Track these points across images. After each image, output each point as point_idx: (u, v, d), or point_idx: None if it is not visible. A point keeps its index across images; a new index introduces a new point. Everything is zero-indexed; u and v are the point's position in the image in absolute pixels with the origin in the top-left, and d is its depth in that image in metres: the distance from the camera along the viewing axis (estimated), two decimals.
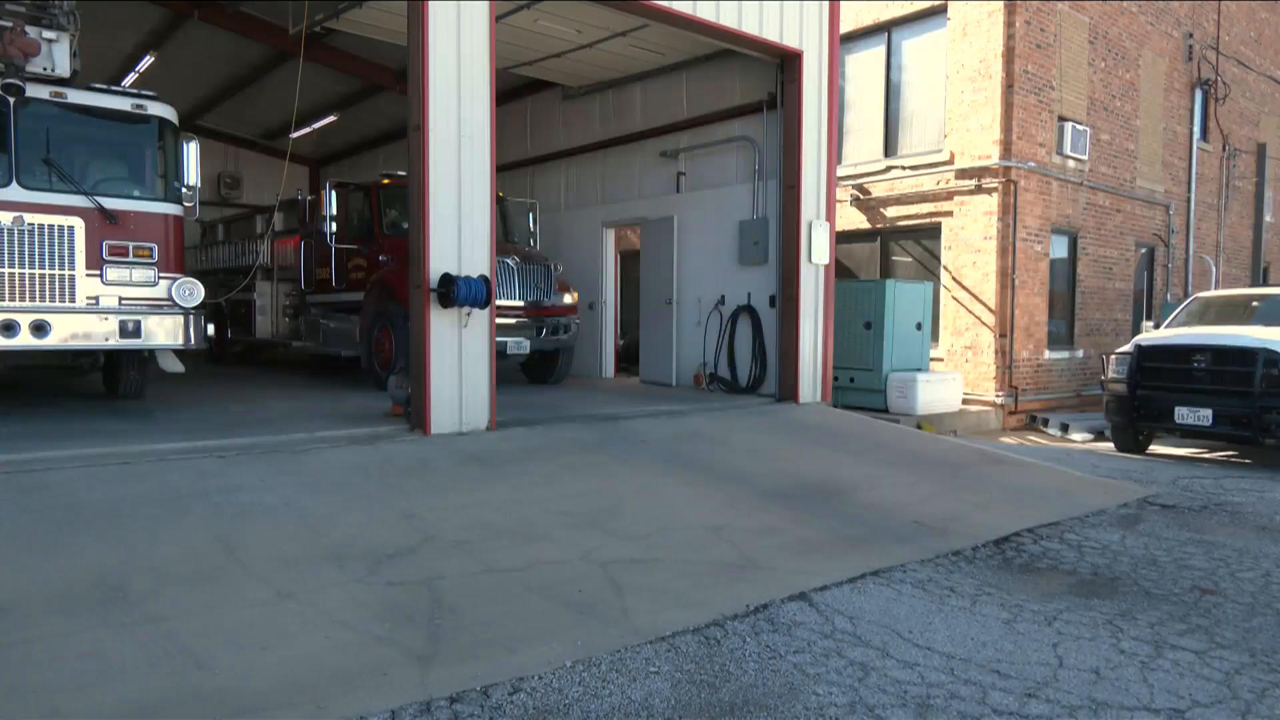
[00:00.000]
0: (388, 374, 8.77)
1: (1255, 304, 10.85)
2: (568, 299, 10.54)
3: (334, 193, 10.02)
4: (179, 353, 7.55)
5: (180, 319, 7.20)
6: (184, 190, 7.54)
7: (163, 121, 7.49)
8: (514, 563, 4.59)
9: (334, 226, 9.97)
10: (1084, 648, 3.85)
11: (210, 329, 13.18)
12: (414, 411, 7.22)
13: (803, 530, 5.50)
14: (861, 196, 14.43)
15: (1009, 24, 12.69)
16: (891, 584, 4.61)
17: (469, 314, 7.24)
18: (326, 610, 3.85)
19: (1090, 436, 12.19)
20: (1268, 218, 19.65)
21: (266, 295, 12.74)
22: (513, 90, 13.33)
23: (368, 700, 3.09)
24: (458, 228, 7.21)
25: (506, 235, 11.15)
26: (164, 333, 7.16)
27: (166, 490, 5.23)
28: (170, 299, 7.24)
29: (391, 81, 13.17)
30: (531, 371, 11.43)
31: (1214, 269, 17.66)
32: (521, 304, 9.95)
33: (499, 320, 8.61)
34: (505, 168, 13.06)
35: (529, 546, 4.87)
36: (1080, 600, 4.51)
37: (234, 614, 3.76)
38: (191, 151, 7.44)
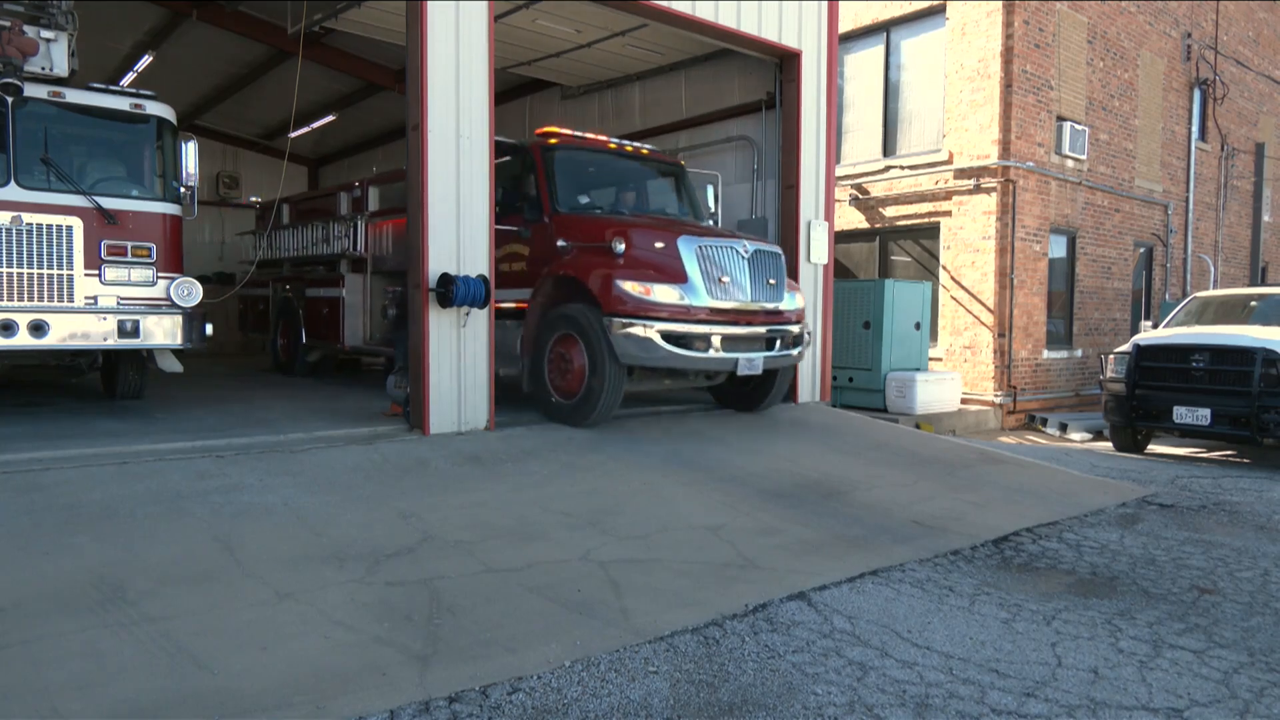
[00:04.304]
0: (573, 402, 7.43)
1: (1253, 303, 10.86)
2: (799, 299, 8.30)
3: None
4: (178, 353, 7.55)
5: (179, 319, 7.19)
6: (182, 190, 7.54)
7: (161, 121, 7.48)
8: (513, 562, 4.59)
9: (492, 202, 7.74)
10: (1083, 647, 3.85)
11: (278, 336, 11.94)
12: (413, 411, 7.22)
13: (801, 530, 5.50)
14: (860, 196, 14.43)
15: (1008, 24, 12.70)
16: (890, 583, 4.61)
17: (468, 314, 7.24)
18: (325, 610, 3.85)
19: (1089, 436, 12.20)
20: (1266, 217, 19.66)
21: (358, 292, 10.29)
22: (511, 89, 13.32)
23: (366, 700, 3.09)
24: (456, 228, 7.21)
25: (693, 213, 9.24)
26: (162, 333, 7.15)
27: (165, 490, 5.23)
28: (169, 299, 7.24)
29: (390, 81, 13.17)
30: (728, 395, 9.02)
31: (1212, 268, 17.67)
32: (755, 307, 7.67)
33: (722, 330, 7.24)
34: None
35: (528, 546, 4.87)
36: (1079, 600, 4.51)
37: (232, 614, 3.76)
38: (190, 151, 7.44)
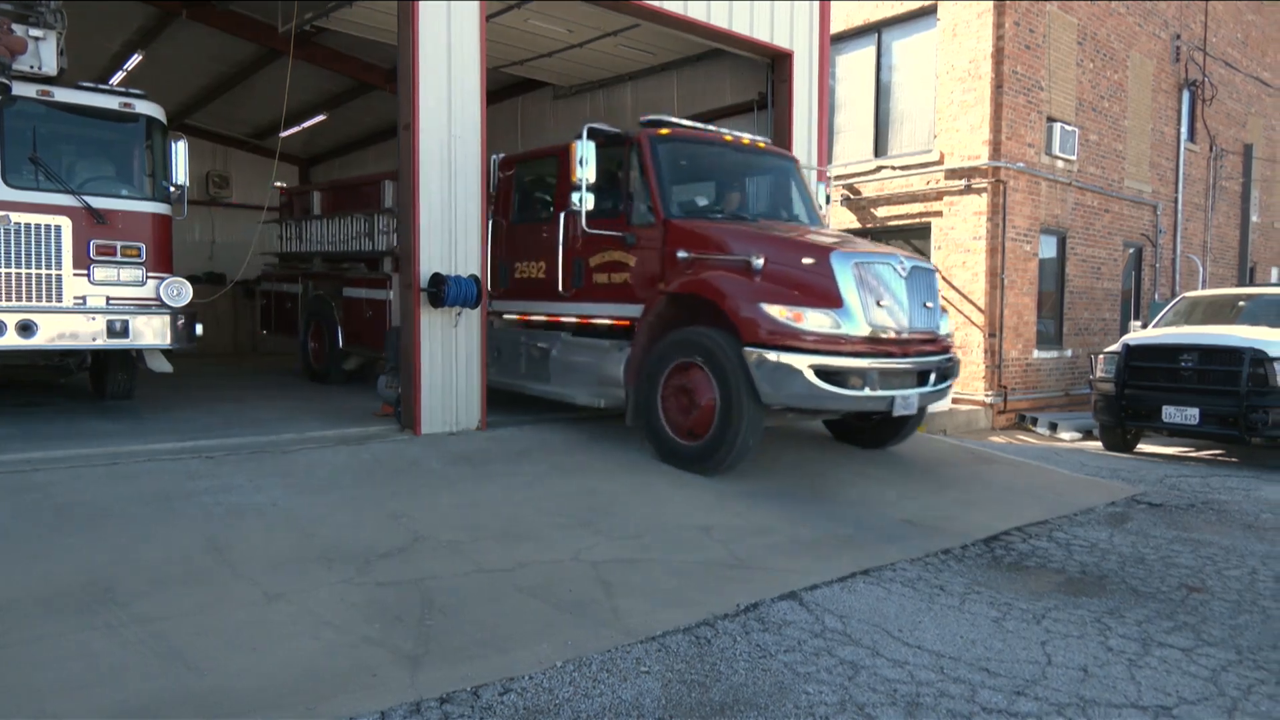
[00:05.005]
0: (699, 445, 6.37)
1: (1242, 304, 10.93)
2: (949, 323, 7.20)
3: (591, 144, 6.71)
4: (167, 353, 7.52)
5: (168, 319, 7.16)
6: (172, 189, 7.51)
7: (151, 120, 7.45)
8: (504, 563, 4.59)
9: (590, 202, 6.74)
10: (1072, 646, 3.87)
11: (307, 338, 10.88)
12: (404, 412, 7.21)
13: (793, 529, 5.52)
14: (852, 196, 14.47)
15: (998, 25, 12.75)
16: (881, 583, 4.63)
17: (459, 314, 7.23)
18: (316, 611, 3.84)
19: (1079, 435, 12.26)
20: (1254, 218, 19.78)
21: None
22: (503, 89, 13.31)
23: (357, 701, 3.09)
24: (450, 228, 7.21)
25: (806, 215, 8.06)
26: (152, 333, 7.11)
27: (155, 491, 5.21)
28: (158, 299, 7.20)
29: (382, 80, 13.13)
30: (850, 430, 7.90)
31: (1201, 269, 17.77)
32: (919, 335, 6.59)
33: (880, 363, 6.25)
34: None
35: (520, 546, 4.87)
36: (1069, 598, 4.54)
37: (224, 615, 3.75)
38: (180, 150, 7.41)
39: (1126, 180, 15.74)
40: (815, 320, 6.07)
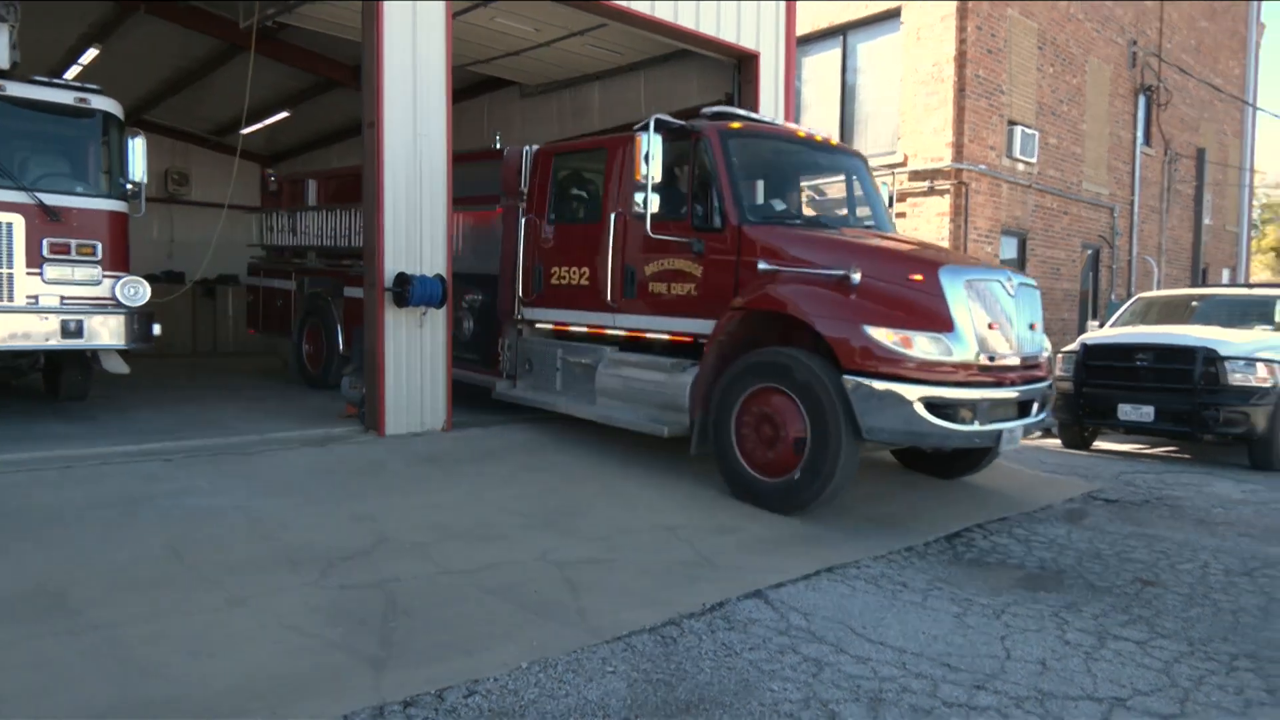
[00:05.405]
0: (783, 482, 5.70)
1: (1195, 304, 11.20)
2: (1048, 344, 6.53)
3: (658, 138, 6.04)
4: (124, 353, 7.37)
5: (125, 319, 7.01)
6: (129, 187, 7.36)
7: (107, 116, 7.30)
8: (470, 564, 4.57)
9: (655, 203, 6.08)
10: (1031, 640, 3.95)
11: (301, 338, 10.21)
12: (368, 412, 7.14)
13: (759, 528, 5.55)
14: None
15: (961, 29, 12.94)
16: (846, 580, 4.68)
17: (424, 314, 7.18)
18: (278, 615, 3.79)
19: (1037, 433, 12.46)
20: (1206, 220, 20.28)
21: None
22: (470, 87, 13.23)
23: (320, 706, 3.05)
24: (418, 227, 7.16)
25: (875, 219, 7.45)
26: (108, 333, 6.97)
27: (112, 495, 5.10)
28: (114, 298, 7.06)
29: (346, 77, 12.98)
30: (919, 457, 7.24)
31: (1156, 270, 18.19)
32: (1027, 360, 5.99)
33: (991, 394, 5.61)
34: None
35: (485, 548, 4.84)
36: (1028, 594, 4.62)
37: (183, 621, 3.69)
38: (137, 147, 7.27)
39: (1085, 183, 16.06)
40: (926, 346, 5.38)
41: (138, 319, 7.10)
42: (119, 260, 7.24)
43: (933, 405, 5.35)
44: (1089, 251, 16.62)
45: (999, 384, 5.70)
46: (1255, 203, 29.85)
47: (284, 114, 15.45)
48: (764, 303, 5.85)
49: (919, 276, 5.63)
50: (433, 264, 7.23)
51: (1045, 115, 14.83)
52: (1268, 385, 8.92)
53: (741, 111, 7.08)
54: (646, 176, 5.99)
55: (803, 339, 5.77)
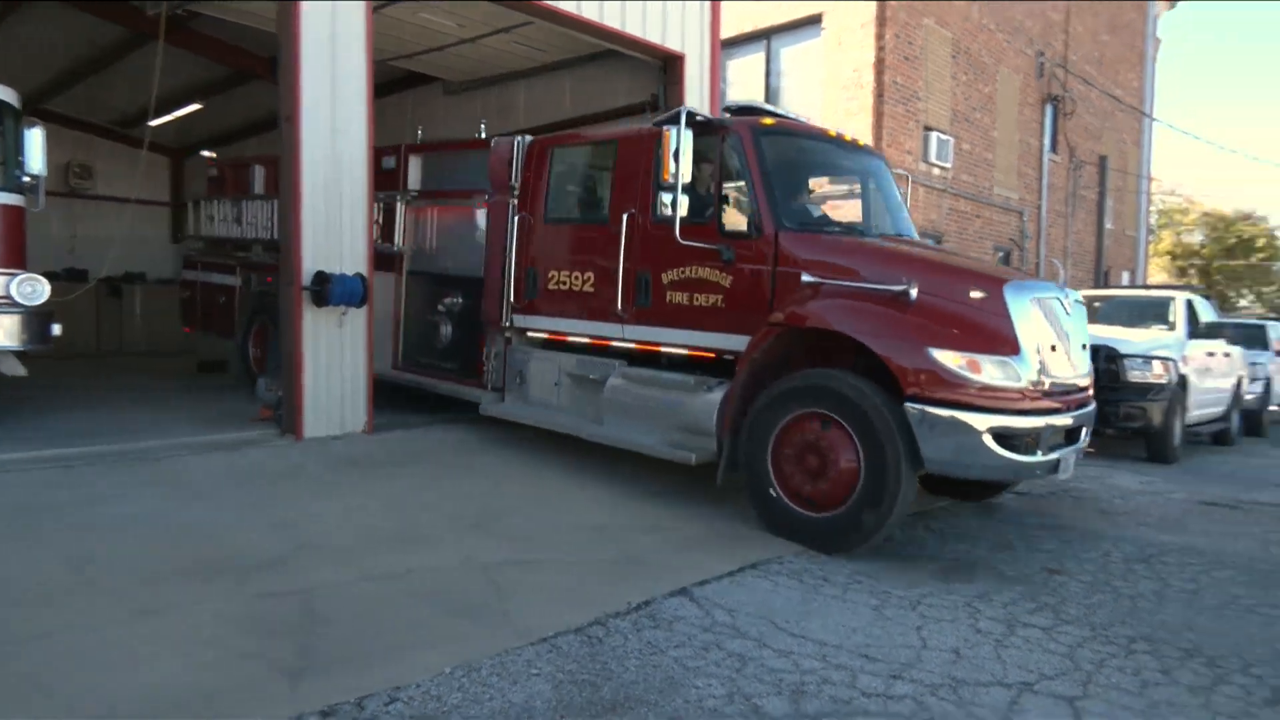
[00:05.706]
0: (831, 517, 5.14)
1: (1097, 305, 11.77)
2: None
3: (688, 133, 5.54)
4: (21, 355, 6.98)
5: (21, 318, 6.64)
6: (26, 179, 6.98)
7: (2, 104, 6.91)
8: (392, 569, 4.48)
9: (684, 206, 5.60)
10: (945, 629, 4.08)
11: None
12: (285, 415, 6.94)
13: (686, 526, 5.60)
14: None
15: (880, 36, 13.29)
16: (769, 576, 4.76)
17: (344, 313, 7.01)
18: (189, 627, 3.65)
19: None
20: (1108, 225, 21.31)
21: (388, 299, 7.99)
22: (393, 82, 12.97)
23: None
24: (337, 224, 6.99)
25: (906, 227, 6.99)
26: (2, 333, 6.59)
27: (7, 504, 4.84)
28: (8, 297, 6.68)
29: (262, 68, 12.54)
30: (944, 481, 6.49)
31: (1062, 272, 18.94)
32: (1075, 383, 5.55)
33: (1054, 420, 5.16)
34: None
35: (409, 552, 4.76)
36: (942, 585, 4.78)
37: (86, 636, 3.52)
38: (35, 138, 6.90)
39: (996, 188, 16.68)
40: (992, 371, 4.90)
41: (35, 318, 6.72)
42: (14, 257, 6.85)
43: (999, 435, 4.88)
44: (1000, 254, 17.27)
45: (1059, 410, 5.25)
46: (1152, 208, 31.52)
47: (196, 106, 14.86)
48: (811, 319, 5.26)
49: (981, 294, 5.12)
50: (354, 262, 7.07)
51: (959, 122, 15.34)
52: (1163, 382, 9.43)
53: (768, 106, 6.58)
54: (675, 176, 5.45)
55: (845, 359, 5.26)
